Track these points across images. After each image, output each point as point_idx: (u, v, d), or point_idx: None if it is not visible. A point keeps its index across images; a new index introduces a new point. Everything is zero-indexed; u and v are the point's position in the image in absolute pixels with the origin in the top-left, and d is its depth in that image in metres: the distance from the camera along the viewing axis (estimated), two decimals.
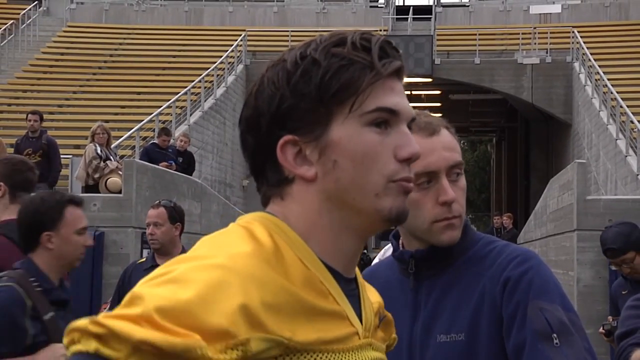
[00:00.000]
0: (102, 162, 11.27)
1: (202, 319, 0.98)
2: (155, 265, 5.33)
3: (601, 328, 4.92)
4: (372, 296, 1.30)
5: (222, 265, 1.03)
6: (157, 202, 5.42)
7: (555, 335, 1.68)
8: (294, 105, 1.15)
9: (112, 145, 12.24)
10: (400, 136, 1.18)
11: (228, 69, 23.22)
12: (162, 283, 1.01)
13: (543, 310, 1.71)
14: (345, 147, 1.15)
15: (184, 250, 5.34)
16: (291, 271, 1.10)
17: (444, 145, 1.85)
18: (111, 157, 11.48)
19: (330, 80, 1.15)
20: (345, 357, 1.14)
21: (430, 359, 1.81)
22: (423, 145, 1.78)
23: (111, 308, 5.48)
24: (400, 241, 1.96)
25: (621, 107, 17.63)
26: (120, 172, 10.91)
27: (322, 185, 1.17)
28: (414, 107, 1.30)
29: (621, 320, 3.18)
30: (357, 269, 1.26)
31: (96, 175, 11.28)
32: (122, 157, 12.99)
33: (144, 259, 5.61)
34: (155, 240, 5.27)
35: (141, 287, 1.02)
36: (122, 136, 15.69)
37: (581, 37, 24.17)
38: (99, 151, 11.32)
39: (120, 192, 9.93)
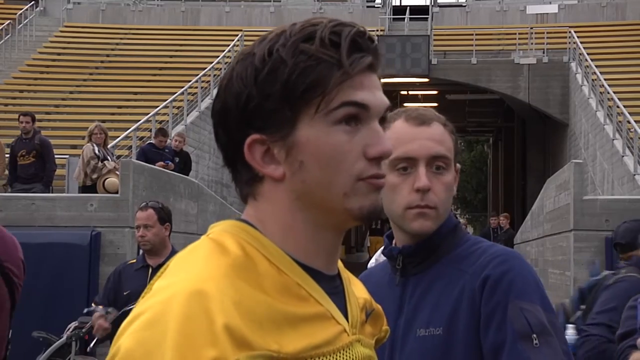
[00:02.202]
0: (99, 162, 11.27)
1: (192, 356, 0.97)
2: (146, 266, 5.35)
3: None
4: (357, 291, 1.28)
5: (195, 290, 1.01)
6: (145, 203, 5.44)
7: (535, 335, 1.70)
8: (260, 104, 1.12)
9: (109, 146, 12.23)
10: (370, 133, 1.14)
11: (225, 69, 23.15)
12: (141, 329, 1.01)
13: (523, 310, 1.72)
14: (311, 148, 1.12)
15: (173, 250, 5.37)
16: (266, 281, 1.08)
17: (430, 136, 1.89)
18: (108, 157, 11.48)
19: (296, 80, 1.11)
20: (337, 358, 1.12)
21: (409, 353, 1.83)
22: (408, 132, 1.87)
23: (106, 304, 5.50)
24: (394, 240, 1.98)
25: (618, 107, 17.64)
26: (118, 173, 10.89)
27: (290, 185, 1.14)
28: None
29: (622, 320, 3.18)
30: (340, 264, 1.24)
31: (94, 176, 11.27)
32: (118, 157, 12.98)
33: (134, 260, 5.62)
34: (146, 242, 5.29)
35: (123, 338, 1.01)
36: (119, 136, 15.68)
37: (578, 37, 24.18)
38: (96, 151, 11.32)
39: (117, 193, 9.92)
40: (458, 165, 1.98)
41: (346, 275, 1.26)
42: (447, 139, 1.92)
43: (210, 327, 0.98)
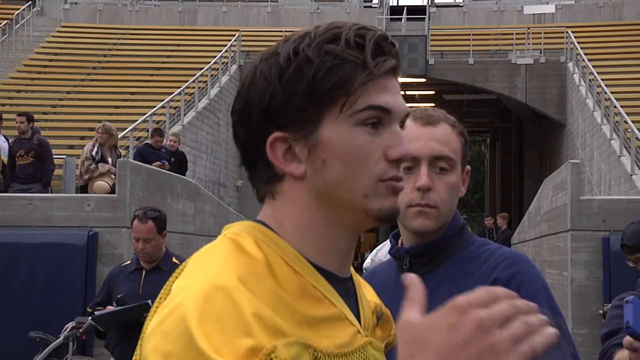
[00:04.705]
0: (93, 164, 11.27)
1: (228, 347, 0.96)
2: (139, 269, 5.34)
3: (601, 310, 5.08)
4: (368, 294, 1.29)
5: (218, 284, 1.01)
6: (143, 213, 5.24)
7: None
8: (285, 102, 1.14)
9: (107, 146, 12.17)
10: (391, 136, 1.16)
11: (222, 69, 23.21)
12: (171, 331, 0.99)
13: None
14: (334, 147, 1.13)
15: (167, 252, 5.36)
16: (284, 282, 1.09)
17: (434, 137, 1.90)
18: (109, 159, 11.43)
19: (322, 79, 1.13)
20: (355, 358, 1.14)
21: None
22: (414, 132, 1.87)
23: (95, 305, 5.51)
24: (400, 240, 1.99)
25: (615, 107, 17.66)
26: (113, 176, 10.89)
27: (311, 183, 1.15)
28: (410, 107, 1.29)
29: (607, 320, 3.19)
30: (351, 268, 1.25)
31: (86, 177, 11.28)
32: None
33: (128, 262, 5.58)
34: (146, 255, 5.24)
35: (155, 341, 1.00)
36: None
37: (575, 37, 24.22)
38: (93, 153, 11.32)
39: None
40: (468, 167, 1.98)
41: (357, 278, 1.27)
42: (453, 140, 1.92)
43: (240, 316, 0.98)
